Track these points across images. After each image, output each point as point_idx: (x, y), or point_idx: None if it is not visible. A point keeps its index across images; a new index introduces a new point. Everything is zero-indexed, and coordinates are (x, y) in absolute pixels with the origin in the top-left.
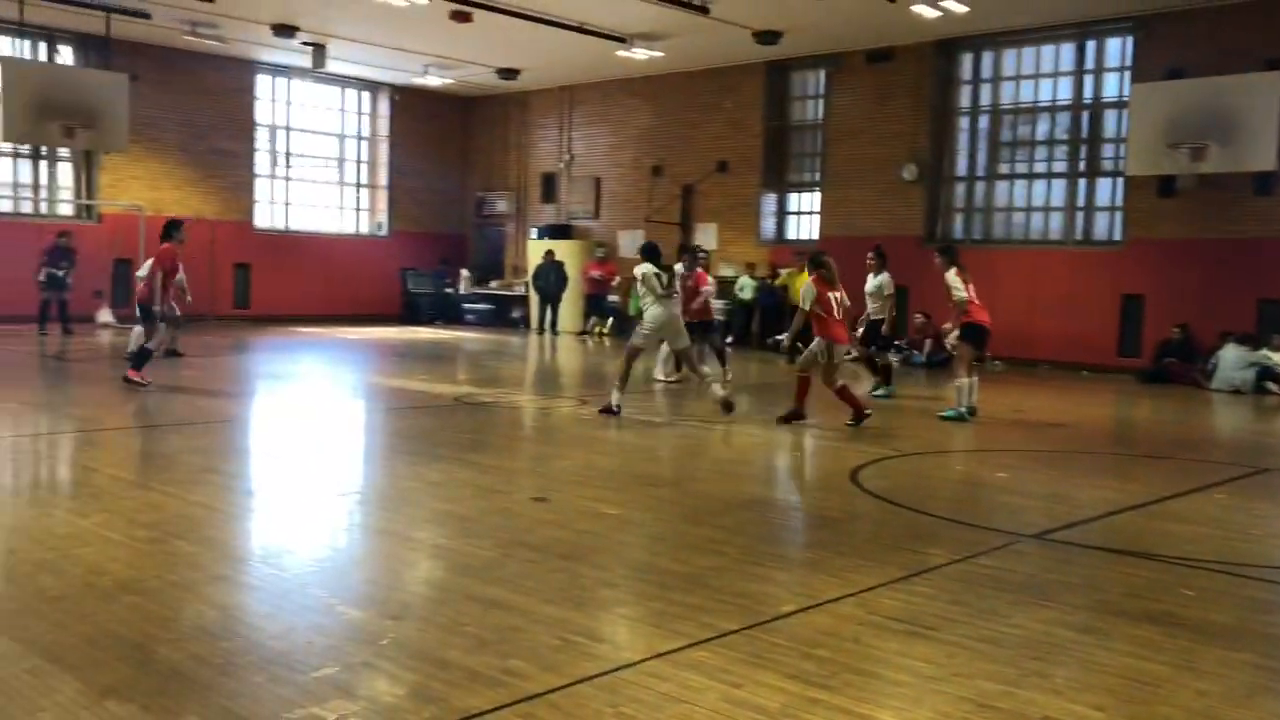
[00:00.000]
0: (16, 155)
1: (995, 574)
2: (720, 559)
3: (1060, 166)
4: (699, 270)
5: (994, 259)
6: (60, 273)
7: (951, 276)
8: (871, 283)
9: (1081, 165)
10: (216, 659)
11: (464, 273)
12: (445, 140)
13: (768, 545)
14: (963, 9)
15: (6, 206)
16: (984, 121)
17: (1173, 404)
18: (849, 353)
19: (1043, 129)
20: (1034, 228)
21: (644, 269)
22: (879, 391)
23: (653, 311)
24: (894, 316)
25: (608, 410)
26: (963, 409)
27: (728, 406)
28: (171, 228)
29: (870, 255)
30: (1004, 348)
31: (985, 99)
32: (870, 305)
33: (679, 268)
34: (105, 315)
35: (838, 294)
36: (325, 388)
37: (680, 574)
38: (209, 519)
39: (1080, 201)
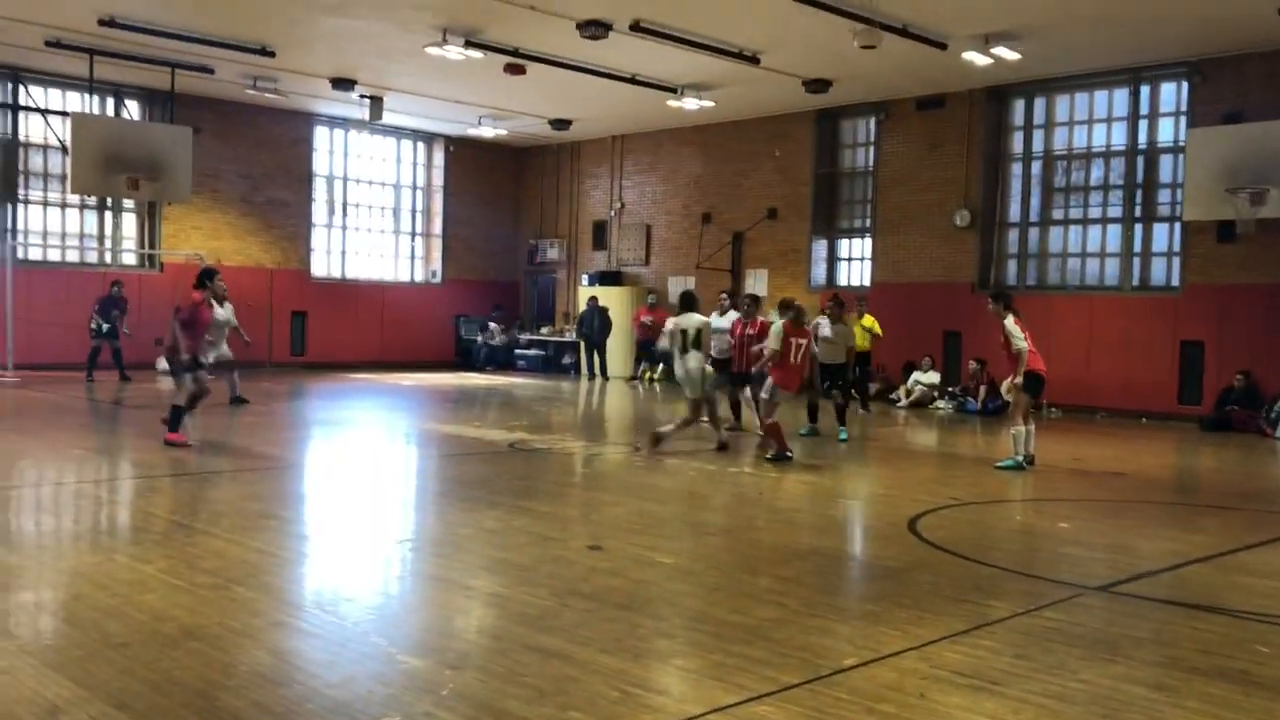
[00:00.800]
0: (83, 207)
1: (1061, 627)
2: (780, 610)
3: (1115, 211)
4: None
5: (1049, 305)
6: (109, 323)
7: (1010, 325)
8: (828, 329)
9: (1137, 210)
10: (278, 707)
11: (493, 325)
12: (498, 189)
13: (827, 596)
14: (1014, 56)
15: (73, 256)
16: (1037, 167)
17: (1236, 453)
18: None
19: (1097, 174)
20: (1089, 273)
21: (673, 323)
22: (804, 430)
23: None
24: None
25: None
26: (1019, 458)
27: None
28: (205, 276)
29: (829, 303)
30: (1060, 395)
31: (1038, 144)
32: (824, 349)
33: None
34: (164, 363)
35: (802, 340)
36: (380, 433)
37: (739, 625)
38: (267, 565)
39: (1136, 247)
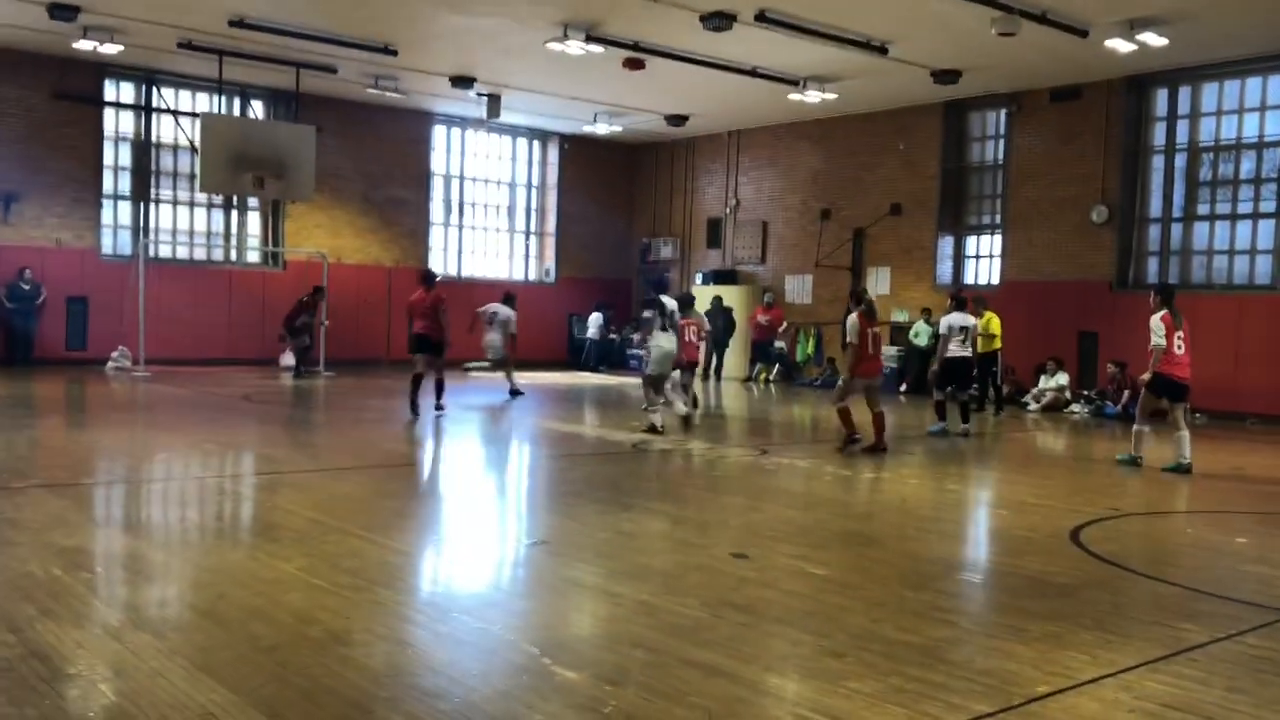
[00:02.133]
0: (210, 206)
1: (1270, 655)
2: (951, 629)
3: (1268, 206)
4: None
5: (1194, 305)
6: (298, 324)
7: (1155, 321)
8: (944, 324)
9: None
10: None
11: (594, 316)
12: (611, 187)
13: (1000, 615)
14: (1161, 42)
15: (200, 254)
16: (1180, 160)
17: None
18: (875, 383)
19: (1247, 166)
20: (1238, 272)
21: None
22: (933, 428)
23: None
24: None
25: (651, 430)
26: (1137, 455)
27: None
28: (430, 278)
29: (950, 301)
30: (1207, 400)
31: (1182, 136)
32: (958, 345)
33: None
34: (289, 358)
35: (876, 330)
36: (502, 432)
37: (911, 645)
38: (408, 566)
39: None
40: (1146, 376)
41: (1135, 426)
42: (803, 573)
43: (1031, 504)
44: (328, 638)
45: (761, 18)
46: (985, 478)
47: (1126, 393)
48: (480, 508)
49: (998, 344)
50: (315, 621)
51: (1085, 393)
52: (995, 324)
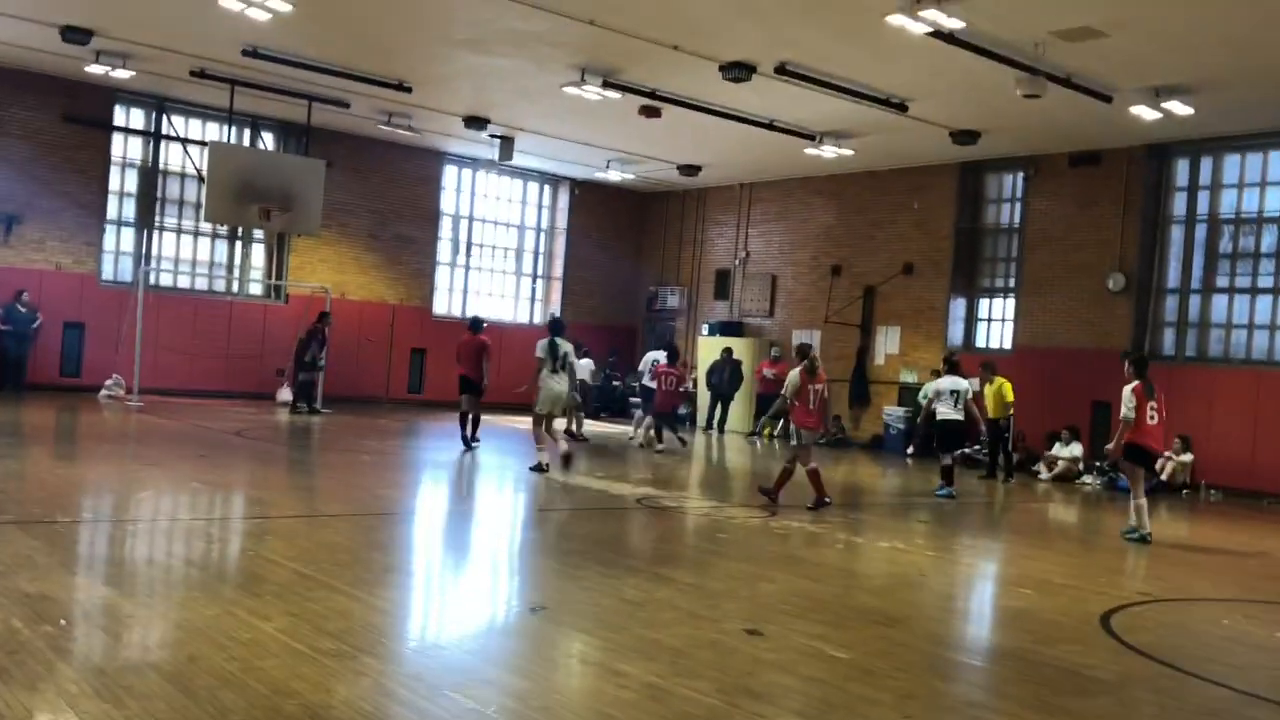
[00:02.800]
0: (215, 236)
1: None
2: None
3: None
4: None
5: (1211, 378)
6: (309, 357)
7: (1126, 392)
8: (933, 386)
9: None
10: None
11: (584, 362)
12: (620, 233)
13: (1045, 715)
14: (1187, 111)
15: (202, 284)
16: (1200, 231)
17: None
18: (820, 438)
19: (1269, 241)
20: (1257, 346)
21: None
22: (942, 492)
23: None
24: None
25: (537, 469)
26: (1145, 531)
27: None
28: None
29: (944, 364)
30: (1223, 476)
31: (1202, 207)
32: (941, 407)
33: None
34: (286, 394)
35: (817, 386)
36: (502, 479)
37: None
38: (396, 630)
39: None
40: (1110, 447)
41: (1134, 501)
42: (822, 655)
43: (1057, 584)
44: (303, 714)
45: (782, 71)
46: (1003, 551)
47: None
48: (477, 564)
49: (1010, 410)
50: (292, 694)
51: (1098, 464)
52: (1008, 390)
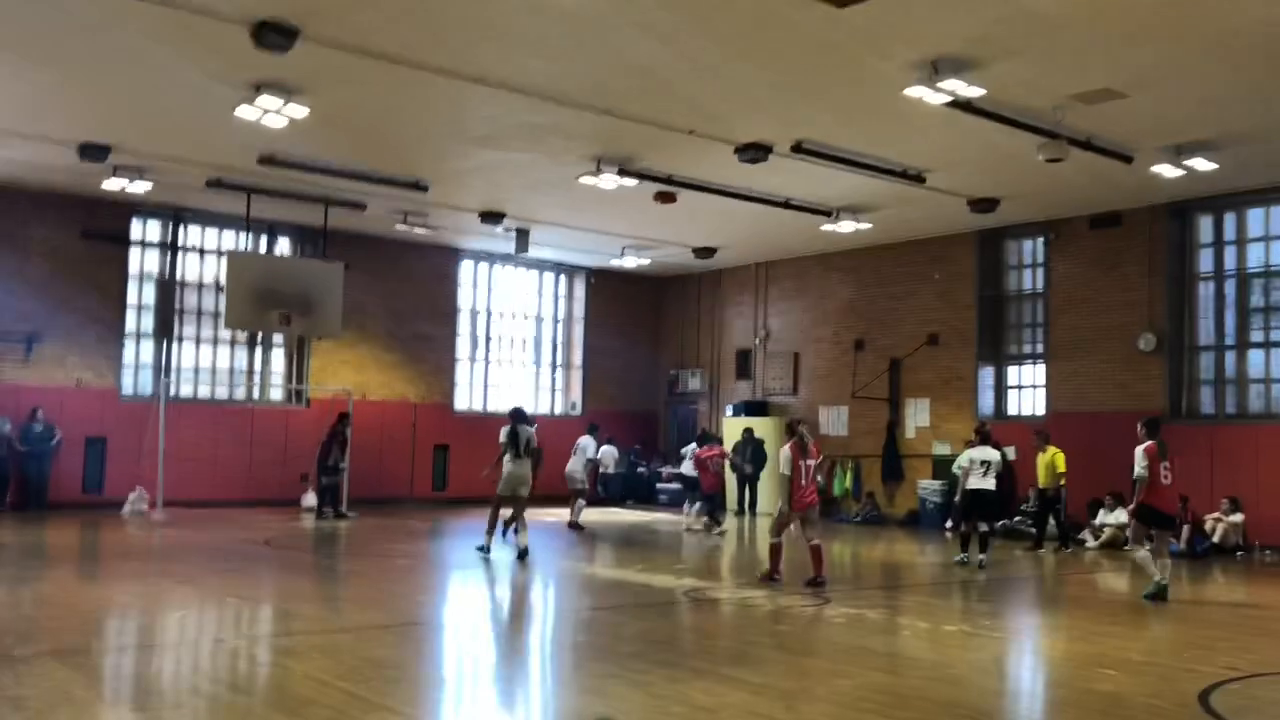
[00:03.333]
0: (234, 343)
1: None
2: None
3: None
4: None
5: (1256, 436)
6: (331, 460)
7: (1139, 452)
8: (965, 457)
9: None
10: None
11: (609, 450)
12: (637, 319)
13: None
14: (1210, 167)
15: (223, 393)
16: (1230, 287)
17: None
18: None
19: None
20: None
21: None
22: (956, 558)
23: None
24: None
25: (483, 549)
26: (1160, 580)
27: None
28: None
29: (975, 435)
30: (1275, 537)
31: (1230, 262)
32: (979, 478)
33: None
34: (311, 499)
35: (810, 462)
36: (540, 578)
37: None
38: None
39: None
40: (1131, 507)
41: (1138, 555)
42: None
43: (1137, 661)
44: None
45: (798, 149)
46: (1071, 628)
47: (1187, 528)
48: (533, 672)
49: (1062, 480)
50: None
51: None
52: (1060, 460)
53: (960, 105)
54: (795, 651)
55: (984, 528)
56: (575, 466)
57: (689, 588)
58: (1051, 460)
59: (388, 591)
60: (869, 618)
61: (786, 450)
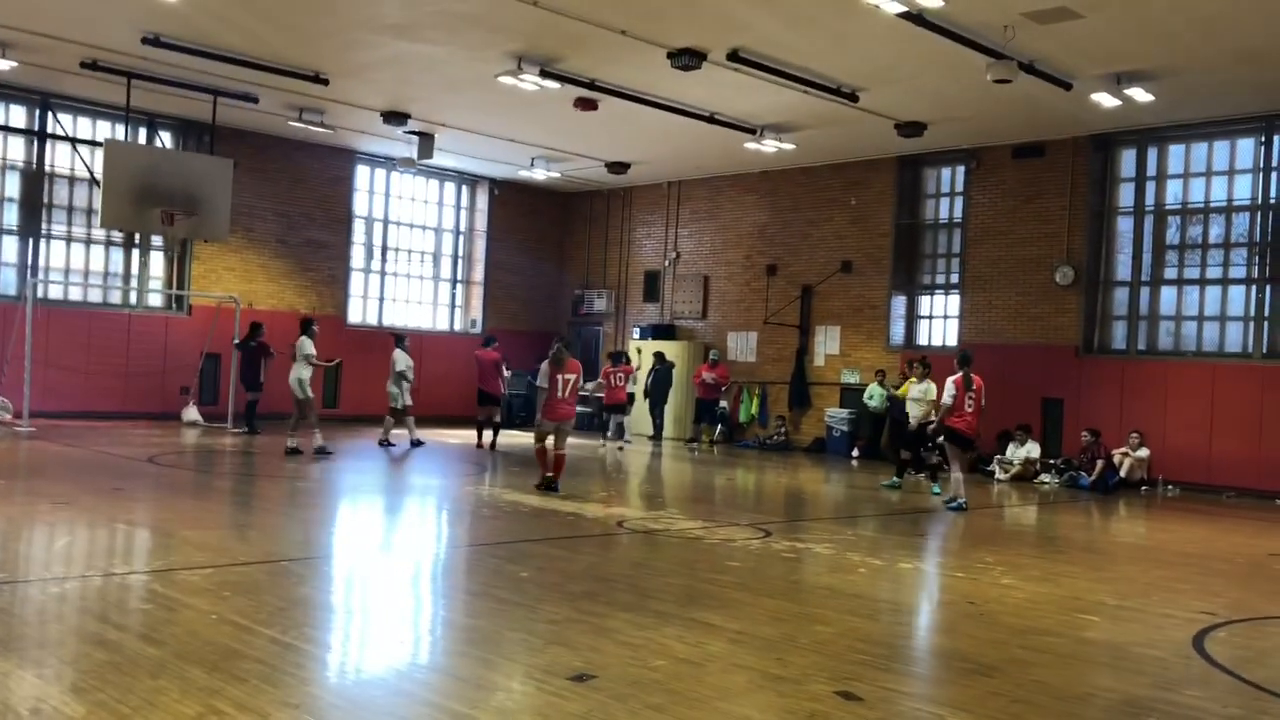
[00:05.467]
0: (109, 244)
1: None
2: None
3: (1238, 272)
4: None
5: (1164, 372)
6: (263, 376)
7: (949, 383)
8: (915, 389)
9: (1267, 270)
10: None
11: (504, 372)
12: (543, 235)
13: None
14: (1147, 98)
15: (96, 296)
16: (1148, 222)
17: None
18: (559, 428)
19: (1216, 231)
20: (1208, 339)
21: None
22: (886, 482)
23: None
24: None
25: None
26: (962, 499)
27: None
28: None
29: (916, 364)
30: (1178, 472)
31: (1150, 198)
32: (914, 410)
33: None
34: (192, 413)
35: (566, 376)
36: (462, 506)
37: None
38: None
39: (1267, 310)
40: (933, 429)
41: (953, 475)
42: None
43: (1112, 605)
44: None
45: (734, 57)
46: (1028, 567)
47: (1100, 462)
48: (486, 617)
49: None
50: None
51: (1053, 462)
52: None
53: (913, 17)
54: (758, 592)
55: (937, 459)
56: (389, 384)
57: (621, 518)
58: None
59: (295, 518)
60: (817, 552)
61: (544, 365)
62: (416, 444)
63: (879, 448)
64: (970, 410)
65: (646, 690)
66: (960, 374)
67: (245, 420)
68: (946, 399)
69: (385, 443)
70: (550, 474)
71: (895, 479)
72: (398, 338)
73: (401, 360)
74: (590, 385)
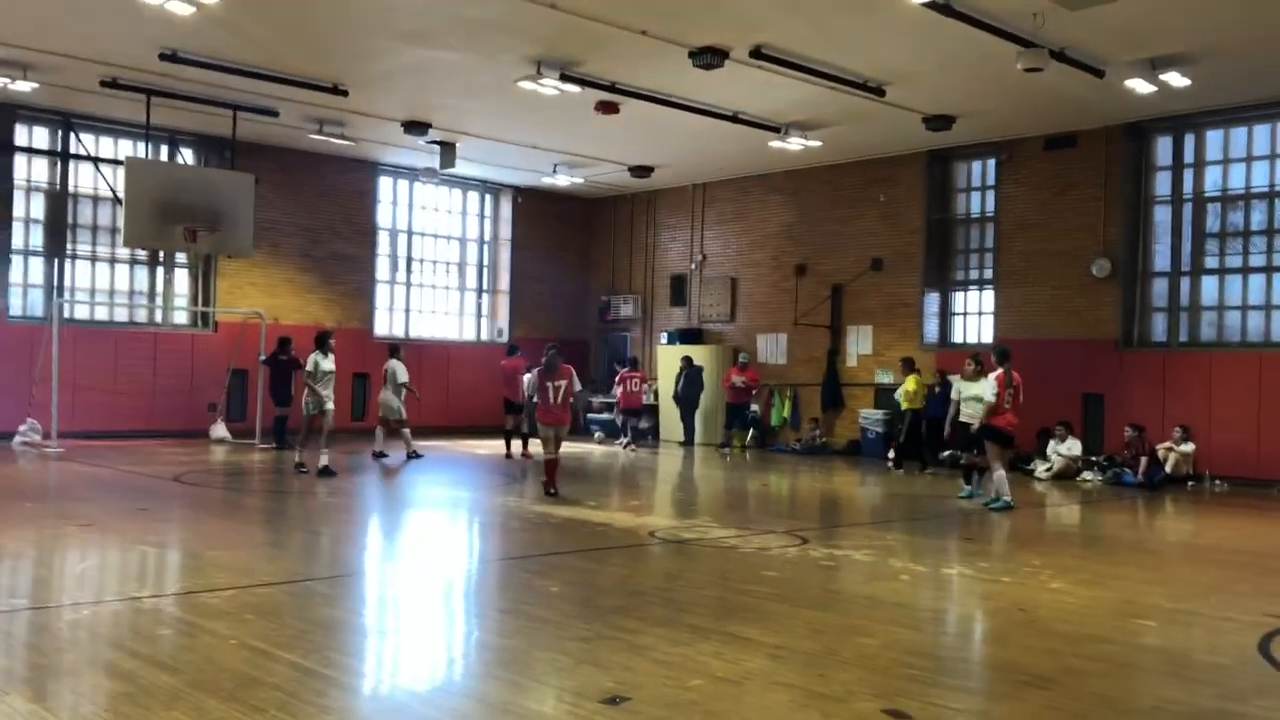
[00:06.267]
0: (134, 262)
1: None
2: None
3: None
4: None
5: (1208, 364)
6: (294, 390)
7: (990, 379)
8: (970, 390)
9: None
10: None
11: (527, 377)
12: (567, 243)
13: None
14: (1183, 82)
15: (122, 315)
16: (1187, 211)
17: None
18: (555, 434)
19: (1258, 218)
20: (1252, 328)
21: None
22: (962, 494)
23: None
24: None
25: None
26: (1007, 497)
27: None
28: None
29: (970, 361)
30: (1227, 466)
31: (1187, 186)
32: (974, 410)
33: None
34: (220, 430)
35: (554, 383)
36: (486, 518)
37: None
38: None
39: None
40: (975, 429)
41: (994, 474)
42: None
43: (1168, 609)
44: None
45: (757, 54)
46: (1078, 570)
47: (1145, 459)
48: (514, 635)
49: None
50: None
51: (1096, 459)
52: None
53: (940, 6)
54: (796, 603)
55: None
56: (386, 395)
57: (654, 528)
58: (919, 383)
59: (321, 535)
60: (856, 560)
61: (532, 376)
62: (414, 456)
63: (914, 448)
64: (1009, 407)
65: (684, 712)
66: (1000, 370)
67: (275, 436)
68: (989, 397)
69: (379, 454)
70: (553, 488)
71: (968, 488)
72: (393, 348)
73: (402, 372)
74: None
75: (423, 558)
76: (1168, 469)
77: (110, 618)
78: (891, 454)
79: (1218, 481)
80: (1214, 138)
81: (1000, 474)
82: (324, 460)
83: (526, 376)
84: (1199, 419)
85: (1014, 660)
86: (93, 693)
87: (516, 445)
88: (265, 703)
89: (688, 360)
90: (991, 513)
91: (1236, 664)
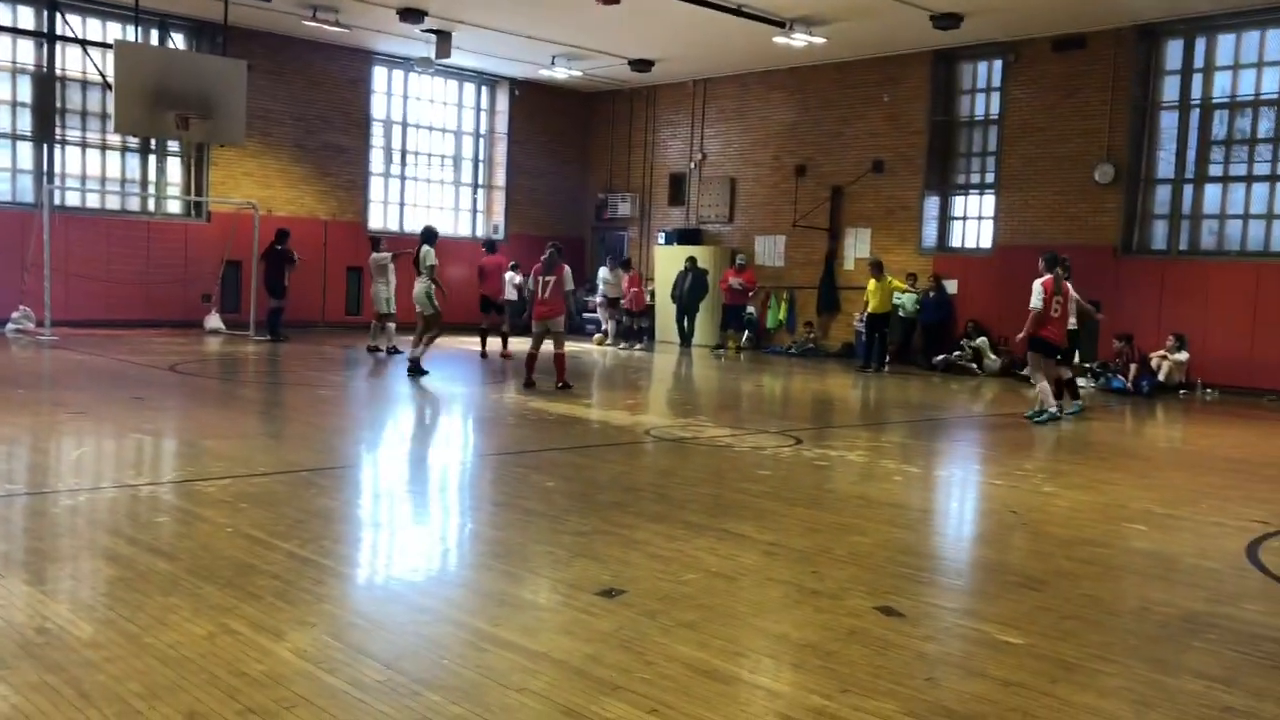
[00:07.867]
0: (125, 149)
1: None
2: None
3: None
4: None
5: (1206, 272)
6: (287, 281)
7: (1037, 285)
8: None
9: None
10: None
11: (510, 276)
12: (565, 138)
13: None
14: None
15: (114, 203)
16: (1194, 117)
17: None
18: (546, 329)
19: (1265, 125)
20: (1253, 237)
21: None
22: (1071, 410)
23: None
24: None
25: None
26: (1052, 409)
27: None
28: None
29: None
30: (1220, 374)
31: (1195, 91)
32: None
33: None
34: (214, 321)
35: (547, 279)
36: (484, 414)
37: None
38: (458, 640)
39: None
40: (1020, 337)
41: (1040, 386)
42: (992, 642)
43: (1159, 514)
44: None
45: None
46: (1070, 474)
47: (1134, 366)
48: (514, 526)
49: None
50: None
51: (1088, 366)
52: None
53: None
54: (790, 501)
55: (1067, 373)
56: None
57: (649, 426)
58: (888, 287)
59: (316, 426)
60: (850, 460)
61: (513, 274)
62: (393, 351)
63: (908, 353)
64: (1057, 316)
65: (678, 606)
66: (1049, 276)
67: (268, 328)
68: (1036, 302)
69: (393, 349)
70: (534, 377)
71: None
72: (374, 240)
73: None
74: (605, 288)
75: (418, 451)
76: (1160, 377)
77: (107, 504)
78: (887, 358)
79: (1209, 390)
80: (1226, 42)
81: (1044, 385)
82: (420, 349)
83: (512, 275)
84: (1194, 327)
85: (1005, 561)
86: (91, 577)
87: (495, 344)
88: (262, 590)
89: (692, 261)
90: (1036, 425)
91: (1227, 568)
